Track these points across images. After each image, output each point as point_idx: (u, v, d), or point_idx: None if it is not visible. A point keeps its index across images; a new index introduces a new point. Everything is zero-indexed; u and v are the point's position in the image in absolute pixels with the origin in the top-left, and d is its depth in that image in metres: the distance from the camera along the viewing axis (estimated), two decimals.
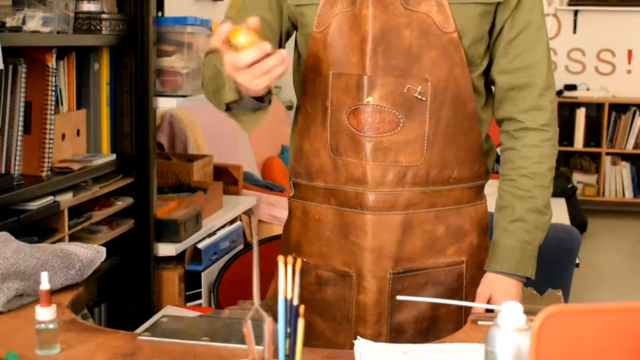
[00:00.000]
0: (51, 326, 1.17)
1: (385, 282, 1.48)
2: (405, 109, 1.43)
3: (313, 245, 1.54)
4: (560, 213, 3.86)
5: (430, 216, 1.50)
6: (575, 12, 6.29)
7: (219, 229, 3.03)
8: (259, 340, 1.00)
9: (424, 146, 1.46)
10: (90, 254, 1.43)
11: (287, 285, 0.89)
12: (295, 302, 0.89)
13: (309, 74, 1.49)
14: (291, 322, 0.89)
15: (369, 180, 1.46)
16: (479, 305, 1.41)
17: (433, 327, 1.53)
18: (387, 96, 1.42)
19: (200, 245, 2.84)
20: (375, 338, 1.46)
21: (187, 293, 2.82)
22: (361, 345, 1.26)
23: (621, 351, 0.83)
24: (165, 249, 2.69)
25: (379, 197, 1.46)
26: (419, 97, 1.42)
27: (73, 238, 2.24)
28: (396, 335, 1.50)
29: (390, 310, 1.49)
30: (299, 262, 0.88)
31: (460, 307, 1.51)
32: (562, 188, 4.44)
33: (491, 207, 1.63)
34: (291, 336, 0.90)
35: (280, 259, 0.89)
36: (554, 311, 0.79)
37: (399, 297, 1.24)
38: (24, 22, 2.09)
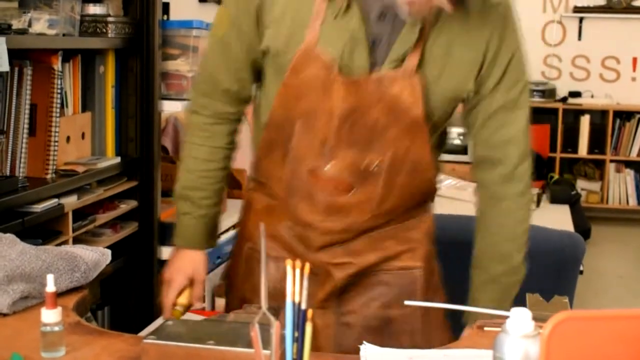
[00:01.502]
0: (56, 329, 1.17)
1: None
2: (360, 178, 1.47)
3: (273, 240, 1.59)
4: (564, 220, 3.84)
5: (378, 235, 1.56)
6: (580, 19, 6.28)
7: (222, 233, 3.02)
8: (265, 344, 1.00)
9: (374, 206, 1.50)
10: (95, 257, 1.43)
11: (294, 289, 0.89)
12: (304, 306, 0.88)
13: (277, 108, 1.48)
14: (299, 326, 0.89)
15: (317, 227, 1.51)
16: (485, 311, 1.40)
17: (385, 327, 1.55)
18: (346, 167, 1.45)
19: None
20: (325, 329, 1.52)
21: None
22: (367, 349, 1.25)
23: (630, 358, 0.83)
24: (169, 252, 2.67)
25: (325, 239, 1.53)
26: (375, 169, 1.46)
27: (77, 241, 2.23)
28: (345, 329, 1.54)
29: (338, 304, 1.54)
30: (307, 266, 0.88)
31: (419, 311, 1.54)
32: (566, 195, 4.42)
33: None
34: (299, 340, 0.89)
35: (289, 263, 0.89)
36: (564, 317, 0.79)
37: (407, 302, 1.23)
38: (30, 25, 2.09)
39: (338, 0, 1.37)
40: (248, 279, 1.64)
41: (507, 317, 0.99)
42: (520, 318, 0.98)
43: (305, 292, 0.88)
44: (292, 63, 1.41)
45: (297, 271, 0.89)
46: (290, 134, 1.47)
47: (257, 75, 1.55)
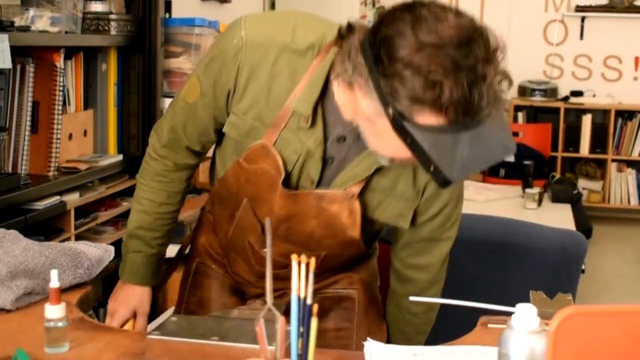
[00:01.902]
0: (60, 324, 1.17)
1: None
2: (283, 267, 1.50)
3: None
4: (565, 219, 3.84)
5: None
6: (582, 19, 6.28)
7: None
8: (270, 340, 0.99)
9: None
10: (98, 253, 1.42)
11: (300, 284, 0.89)
12: (309, 301, 0.88)
13: (229, 177, 1.51)
14: (304, 322, 0.89)
15: (253, 284, 1.62)
16: (491, 307, 1.40)
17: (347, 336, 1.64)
18: (281, 254, 1.48)
19: None
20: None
21: None
22: (371, 346, 1.25)
23: (637, 354, 0.82)
24: (171, 250, 2.66)
25: (259, 291, 1.61)
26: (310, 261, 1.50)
27: (79, 238, 2.23)
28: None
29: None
30: (312, 261, 0.88)
31: (371, 318, 1.64)
32: (568, 194, 4.41)
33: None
34: (304, 336, 0.89)
35: (294, 258, 0.89)
36: (571, 313, 0.79)
37: (412, 298, 1.23)
38: (32, 22, 2.09)
39: (303, 116, 1.38)
40: (195, 292, 1.71)
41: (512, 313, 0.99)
42: (525, 314, 0.97)
43: (310, 287, 0.88)
44: (246, 152, 1.44)
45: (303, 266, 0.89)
46: (237, 203, 1.52)
47: (220, 133, 1.56)
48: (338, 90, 1.34)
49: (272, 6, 5.47)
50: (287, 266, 1.45)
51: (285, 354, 0.93)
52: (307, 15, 1.45)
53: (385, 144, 1.25)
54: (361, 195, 1.43)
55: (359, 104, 1.25)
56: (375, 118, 1.21)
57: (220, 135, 1.54)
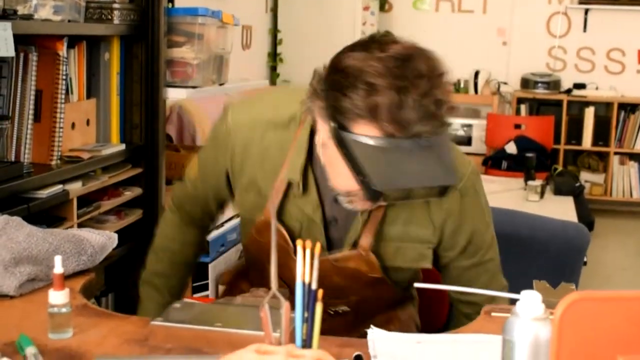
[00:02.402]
0: (64, 310, 1.17)
1: None
2: (330, 318, 1.54)
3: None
4: (568, 211, 3.83)
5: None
6: (586, 11, 6.26)
7: (226, 221, 3.02)
8: (274, 326, 0.99)
9: (349, 327, 1.58)
10: (102, 240, 1.42)
11: (305, 270, 0.89)
12: (314, 286, 0.88)
13: (250, 245, 1.59)
14: (309, 307, 0.89)
15: None
16: (496, 294, 1.40)
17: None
18: None
19: (208, 237, 2.83)
20: None
21: (195, 284, 2.81)
22: (374, 334, 1.25)
23: None
24: None
25: None
26: (344, 309, 1.57)
27: (81, 227, 2.23)
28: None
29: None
30: (318, 245, 0.87)
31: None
32: (570, 187, 4.40)
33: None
34: (309, 321, 0.89)
35: (299, 243, 0.89)
36: (576, 298, 0.78)
37: (416, 285, 1.24)
38: (35, 10, 2.08)
39: (294, 186, 1.44)
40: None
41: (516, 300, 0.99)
42: (530, 301, 0.97)
43: (315, 273, 0.88)
44: (255, 227, 1.52)
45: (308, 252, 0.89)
46: (264, 267, 1.49)
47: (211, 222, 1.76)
48: (317, 144, 1.38)
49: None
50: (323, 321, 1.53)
51: (289, 339, 0.93)
52: (290, 89, 1.64)
53: (337, 172, 1.29)
54: (376, 246, 1.47)
55: (320, 135, 1.32)
56: (328, 141, 1.27)
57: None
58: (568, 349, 0.78)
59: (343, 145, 1.21)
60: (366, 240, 1.45)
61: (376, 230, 1.45)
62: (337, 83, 1.22)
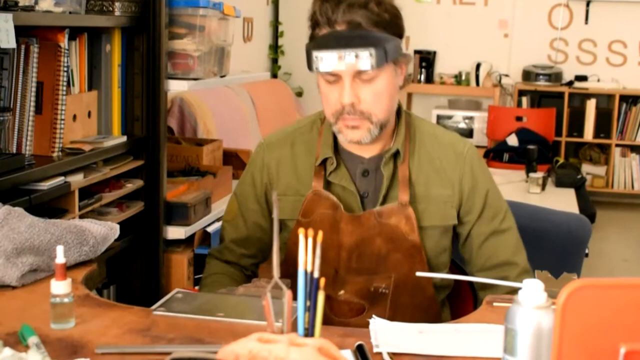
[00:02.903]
0: (66, 300, 1.17)
1: None
2: (369, 300, 1.64)
3: None
4: (569, 203, 3.84)
5: None
6: (588, 3, 6.24)
7: None
8: (276, 316, 0.99)
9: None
10: (103, 231, 1.42)
11: (307, 258, 0.88)
12: (316, 274, 0.88)
13: (292, 245, 1.68)
14: (311, 296, 0.89)
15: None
16: (499, 283, 1.41)
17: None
18: (356, 292, 1.64)
19: (209, 229, 2.83)
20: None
21: (196, 276, 2.81)
22: (376, 323, 1.25)
23: None
24: (175, 232, 2.68)
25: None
26: (383, 291, 1.64)
27: (83, 219, 2.23)
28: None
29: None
30: (320, 234, 0.87)
31: None
32: (572, 179, 4.40)
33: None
34: (311, 309, 0.89)
35: (301, 232, 0.89)
36: (579, 285, 0.78)
37: (418, 274, 1.24)
38: (36, 2, 2.08)
39: (329, 162, 1.65)
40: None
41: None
42: (532, 289, 0.97)
43: (317, 261, 0.88)
44: (303, 206, 1.65)
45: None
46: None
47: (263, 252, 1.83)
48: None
49: None
50: (362, 312, 1.62)
51: (291, 328, 0.93)
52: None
53: (325, 97, 1.59)
54: (410, 205, 1.62)
55: None
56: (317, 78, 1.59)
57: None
58: (571, 336, 0.78)
59: (310, 57, 1.53)
60: (403, 196, 1.62)
61: (409, 191, 1.63)
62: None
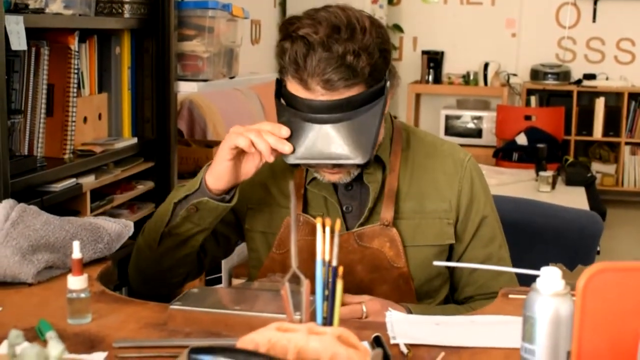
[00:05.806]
0: (83, 295, 1.17)
1: None
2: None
3: None
4: (580, 202, 3.82)
5: None
6: (595, 1, 6.23)
7: None
8: (294, 308, 0.99)
9: None
10: (118, 228, 1.43)
11: (324, 247, 0.88)
12: (334, 263, 0.88)
13: (266, 270, 1.54)
14: (329, 285, 0.88)
15: None
16: (515, 270, 1.38)
17: None
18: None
19: None
20: None
21: (207, 278, 2.81)
22: (392, 316, 1.25)
23: None
24: None
25: None
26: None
27: None
28: None
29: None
30: (338, 223, 0.87)
31: None
32: (582, 177, 4.38)
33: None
34: (329, 298, 0.89)
35: (319, 221, 0.89)
36: (600, 269, 0.78)
37: (435, 263, 1.23)
38: (46, 4, 2.08)
39: (311, 170, 1.49)
40: None
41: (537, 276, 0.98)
42: (550, 277, 0.97)
43: (336, 250, 0.88)
44: (278, 236, 1.51)
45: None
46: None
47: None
48: None
49: None
50: None
51: (310, 318, 0.93)
52: None
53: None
54: (396, 224, 1.48)
55: None
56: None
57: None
58: (591, 319, 0.78)
59: (278, 100, 1.41)
60: (387, 214, 1.47)
61: (395, 207, 1.48)
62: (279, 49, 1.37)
